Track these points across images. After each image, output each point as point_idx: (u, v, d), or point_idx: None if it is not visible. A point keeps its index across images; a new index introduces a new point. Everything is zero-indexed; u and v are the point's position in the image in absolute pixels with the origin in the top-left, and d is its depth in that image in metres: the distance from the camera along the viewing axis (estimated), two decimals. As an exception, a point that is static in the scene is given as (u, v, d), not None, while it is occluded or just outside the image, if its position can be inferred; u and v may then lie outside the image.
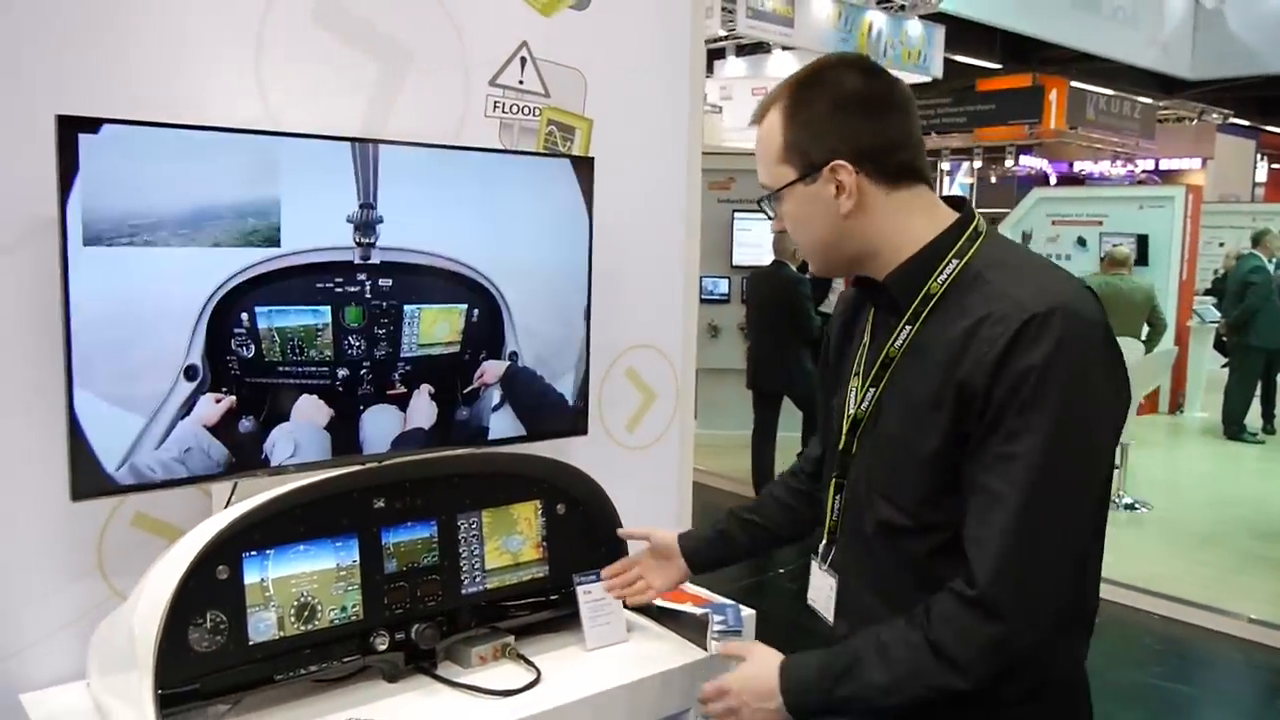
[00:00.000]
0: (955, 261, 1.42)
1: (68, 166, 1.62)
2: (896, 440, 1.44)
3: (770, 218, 1.53)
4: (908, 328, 1.44)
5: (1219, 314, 10.13)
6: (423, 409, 2.08)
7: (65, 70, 1.81)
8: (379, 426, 2.02)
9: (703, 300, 8.12)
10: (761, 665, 1.51)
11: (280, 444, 1.90)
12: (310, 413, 1.93)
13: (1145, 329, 8.16)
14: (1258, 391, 9.42)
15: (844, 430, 1.55)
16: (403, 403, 2.05)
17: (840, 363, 1.65)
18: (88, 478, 1.70)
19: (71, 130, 1.62)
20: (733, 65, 14.67)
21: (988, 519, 1.32)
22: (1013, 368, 1.29)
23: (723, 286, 8.39)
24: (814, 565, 1.62)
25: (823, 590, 1.60)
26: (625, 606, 2.05)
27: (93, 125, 1.64)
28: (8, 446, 1.82)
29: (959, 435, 1.35)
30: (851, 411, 1.53)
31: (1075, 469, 1.33)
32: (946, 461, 1.37)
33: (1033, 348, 1.28)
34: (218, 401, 1.82)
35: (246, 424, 1.86)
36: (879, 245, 1.46)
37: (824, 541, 1.60)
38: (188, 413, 1.79)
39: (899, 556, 1.45)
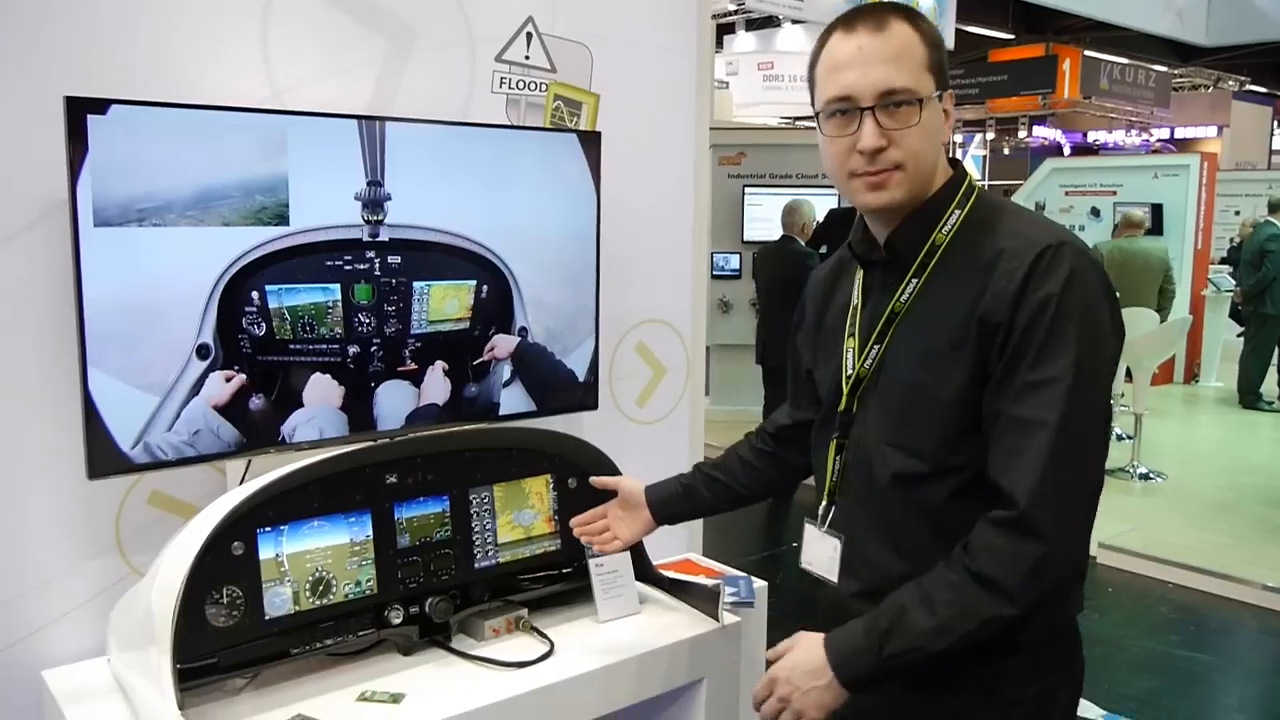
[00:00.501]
0: (957, 213, 1.47)
1: (77, 148, 1.63)
2: (911, 388, 1.46)
3: (866, 124, 1.41)
4: (914, 280, 1.47)
5: (1234, 283, 10.04)
6: (437, 385, 2.09)
7: (73, 52, 1.82)
8: (393, 402, 2.03)
9: (714, 276, 8.11)
10: (806, 647, 1.49)
11: (301, 429, 1.93)
12: (323, 392, 1.94)
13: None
14: (1274, 360, 9.36)
15: (844, 391, 1.55)
16: (416, 379, 2.06)
17: (821, 332, 1.67)
18: (104, 457, 1.72)
19: (80, 111, 1.63)
20: (742, 40, 14.59)
21: (1022, 445, 1.34)
22: (1032, 297, 1.34)
23: (734, 262, 8.36)
24: (810, 529, 1.62)
25: (823, 552, 1.60)
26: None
27: (101, 106, 1.65)
28: (26, 426, 1.84)
29: (982, 374, 1.38)
30: (850, 372, 1.55)
31: (1096, 393, 1.37)
32: (969, 401, 1.40)
33: (1049, 276, 1.34)
34: (228, 380, 1.84)
35: (257, 402, 1.88)
36: (926, 185, 1.47)
37: (823, 504, 1.60)
38: (198, 392, 1.81)
39: (913, 506, 1.46)
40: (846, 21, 1.45)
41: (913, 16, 1.45)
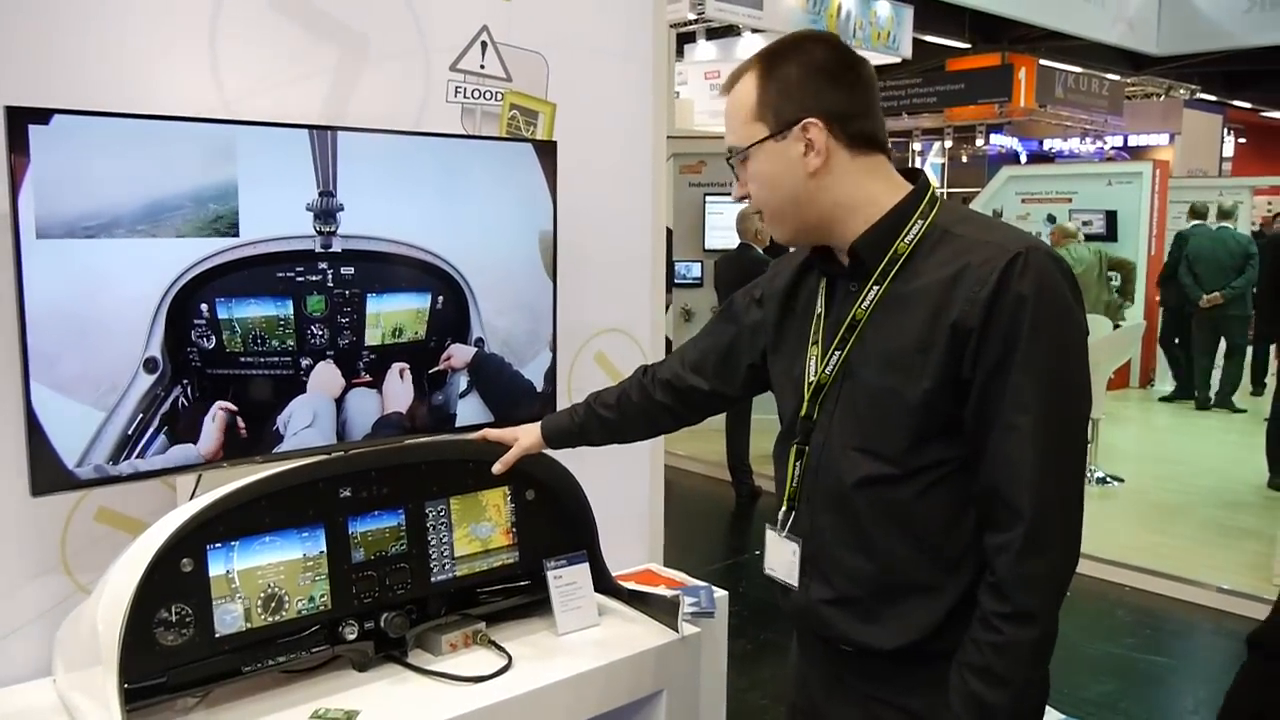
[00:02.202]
0: (920, 222, 1.49)
1: (18, 159, 1.59)
2: (877, 391, 1.47)
3: (735, 179, 1.58)
4: (875, 287, 1.49)
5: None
6: (399, 392, 2.07)
7: (14, 60, 1.78)
8: (359, 411, 2.01)
9: (676, 284, 8.12)
10: None
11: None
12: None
13: (1115, 295, 8.17)
14: (1218, 363, 9.45)
15: (805, 397, 1.56)
16: (378, 386, 2.04)
17: (781, 336, 1.68)
18: (47, 473, 1.68)
19: (21, 121, 1.60)
20: (703, 49, 14.62)
21: (1014, 454, 1.37)
22: (1006, 300, 1.36)
23: (695, 270, 8.37)
24: (771, 534, 1.62)
25: (783, 556, 1.60)
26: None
27: (43, 116, 1.62)
28: (-34, 443, 1.80)
29: (952, 377, 1.40)
30: (813, 379, 1.55)
31: (1078, 389, 1.41)
32: (937, 403, 1.42)
33: (1022, 279, 1.36)
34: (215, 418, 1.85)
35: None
36: (842, 208, 1.50)
37: (783, 509, 1.60)
38: (150, 406, 1.77)
39: (882, 508, 1.48)
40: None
41: (766, 59, 1.51)
